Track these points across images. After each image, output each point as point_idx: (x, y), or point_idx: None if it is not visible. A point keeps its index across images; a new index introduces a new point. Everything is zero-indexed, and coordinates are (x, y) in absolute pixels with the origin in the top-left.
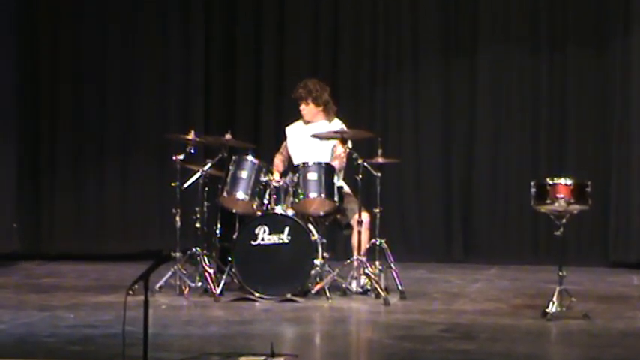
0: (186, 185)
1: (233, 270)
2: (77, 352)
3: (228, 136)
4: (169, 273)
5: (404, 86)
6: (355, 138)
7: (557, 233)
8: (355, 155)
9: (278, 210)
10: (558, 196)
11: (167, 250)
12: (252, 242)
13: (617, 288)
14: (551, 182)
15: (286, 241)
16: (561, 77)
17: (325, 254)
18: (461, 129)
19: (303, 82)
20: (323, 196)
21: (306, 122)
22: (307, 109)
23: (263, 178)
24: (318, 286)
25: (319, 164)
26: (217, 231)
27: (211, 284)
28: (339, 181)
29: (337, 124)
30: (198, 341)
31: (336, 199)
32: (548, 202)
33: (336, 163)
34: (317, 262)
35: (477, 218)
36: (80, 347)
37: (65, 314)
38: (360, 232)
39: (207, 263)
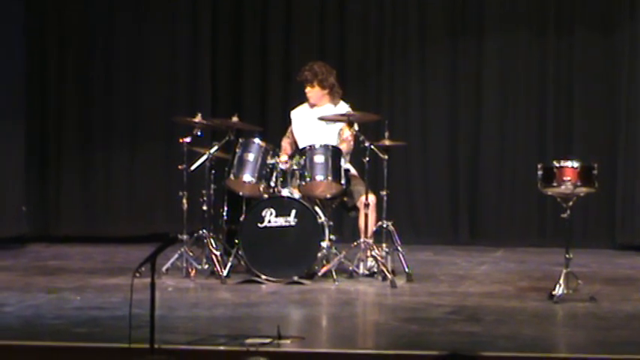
0: (193, 168)
1: (240, 252)
2: (83, 335)
3: (235, 119)
4: (176, 255)
5: (411, 69)
6: (362, 120)
7: (564, 216)
8: (362, 138)
9: (285, 192)
10: (565, 178)
11: (174, 232)
12: (259, 225)
13: (624, 270)
14: (558, 165)
15: (293, 223)
16: (568, 60)
17: (332, 237)
18: (468, 112)
19: (309, 65)
20: (330, 178)
21: (312, 105)
22: (313, 92)
23: (270, 161)
24: (324, 269)
25: (326, 146)
26: (224, 213)
27: (218, 267)
28: (345, 164)
29: (343, 107)
30: (204, 324)
31: (342, 181)
32: (555, 184)
33: (343, 146)
34: (324, 244)
35: (484, 201)
36: (86, 330)
37: (72, 297)
38: (366, 215)
39: (214, 246)
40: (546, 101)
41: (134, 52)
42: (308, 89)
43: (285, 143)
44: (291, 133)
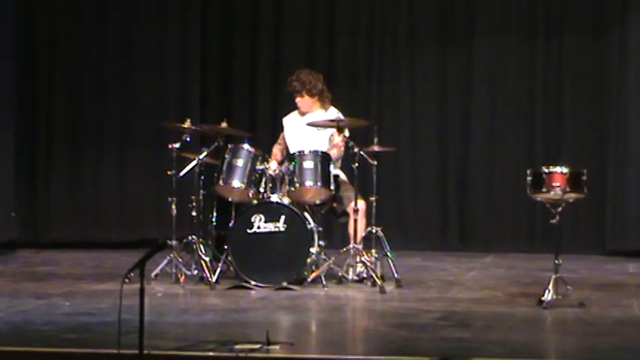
0: (182, 174)
1: (229, 258)
2: (73, 341)
3: (224, 125)
4: (165, 261)
5: (400, 75)
6: (351, 126)
7: (553, 221)
8: (351, 143)
9: (274, 198)
10: (554, 184)
11: (163, 238)
12: (248, 230)
13: (613, 276)
14: (547, 170)
15: (282, 229)
16: (558, 65)
17: (321, 242)
18: (457, 117)
19: (295, 74)
20: (319, 184)
21: (303, 113)
22: (303, 101)
23: (259, 167)
24: (314, 275)
25: (315, 152)
26: (213, 219)
27: (207, 272)
28: (335, 170)
29: (333, 113)
30: (194, 329)
31: (332, 187)
32: (544, 190)
33: (334, 152)
34: (313, 250)
35: (473, 206)
36: (76, 335)
37: (61, 302)
38: (356, 221)
39: (203, 251)
40: (536, 106)
41: (124, 58)
42: (298, 99)
43: (276, 149)
44: (283, 139)
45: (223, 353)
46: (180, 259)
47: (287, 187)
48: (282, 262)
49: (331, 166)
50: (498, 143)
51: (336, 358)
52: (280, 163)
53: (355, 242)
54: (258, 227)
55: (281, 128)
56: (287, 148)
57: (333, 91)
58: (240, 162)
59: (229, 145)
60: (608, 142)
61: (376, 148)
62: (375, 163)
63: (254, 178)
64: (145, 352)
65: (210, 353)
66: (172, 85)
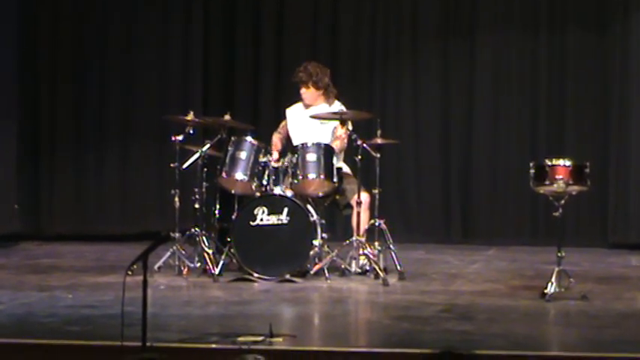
0: (185, 166)
1: (232, 250)
2: (76, 333)
3: (227, 117)
4: (168, 253)
5: (403, 68)
6: (354, 119)
7: (556, 214)
8: (354, 136)
9: (277, 191)
10: (557, 177)
11: (166, 230)
12: (251, 223)
13: (616, 269)
14: (550, 163)
15: (285, 221)
16: (560, 59)
17: (324, 235)
18: (460, 110)
19: (303, 65)
20: (322, 176)
21: (307, 105)
22: (308, 92)
23: (262, 159)
24: (316, 267)
25: (318, 145)
26: (216, 212)
27: (210, 265)
28: (338, 162)
29: (337, 107)
30: (197, 322)
31: (335, 179)
32: (547, 183)
33: (337, 144)
34: (316, 242)
35: (476, 199)
36: (79, 328)
37: (64, 295)
38: (359, 213)
39: (206, 244)
40: (539, 100)
41: (126, 51)
42: (303, 90)
43: (276, 139)
44: (284, 128)
45: (226, 345)
46: (183, 252)
47: (290, 179)
48: (285, 254)
49: (334, 159)
50: (501, 136)
51: (339, 351)
52: (281, 153)
53: (358, 235)
54: (261, 220)
55: (283, 117)
56: (287, 138)
57: (336, 85)
58: (243, 154)
59: (232, 138)
60: (611, 136)
61: (379, 141)
62: (378, 155)
63: (257, 170)
64: (148, 344)
65: (214, 345)
66: (175, 78)
